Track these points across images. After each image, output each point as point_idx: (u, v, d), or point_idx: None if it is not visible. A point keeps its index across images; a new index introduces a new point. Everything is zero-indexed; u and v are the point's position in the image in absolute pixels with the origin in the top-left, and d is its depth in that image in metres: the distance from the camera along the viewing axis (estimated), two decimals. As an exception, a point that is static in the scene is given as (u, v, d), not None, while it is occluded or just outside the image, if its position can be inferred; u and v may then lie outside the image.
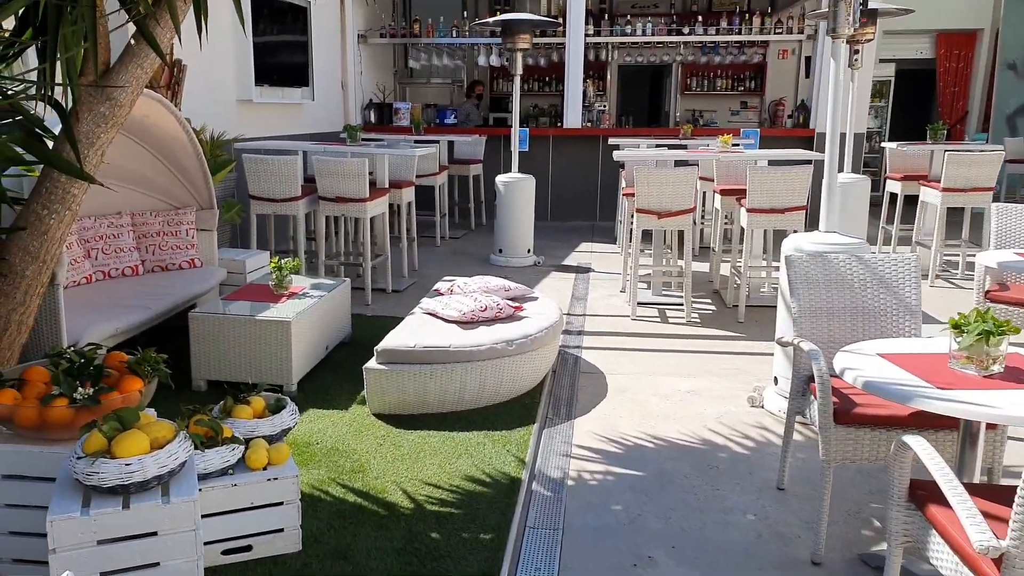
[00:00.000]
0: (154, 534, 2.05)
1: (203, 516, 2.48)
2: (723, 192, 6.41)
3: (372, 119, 10.34)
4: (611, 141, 8.47)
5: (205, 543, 2.50)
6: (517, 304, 4.50)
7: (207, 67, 6.49)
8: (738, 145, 7.53)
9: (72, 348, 2.63)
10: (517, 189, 7.58)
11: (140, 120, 4.65)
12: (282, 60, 7.91)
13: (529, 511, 2.99)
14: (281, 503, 2.58)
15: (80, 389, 2.28)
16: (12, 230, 2.85)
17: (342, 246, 6.87)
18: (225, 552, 2.53)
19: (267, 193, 6.03)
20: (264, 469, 2.61)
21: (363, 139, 7.72)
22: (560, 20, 10.09)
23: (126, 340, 4.57)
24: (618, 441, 3.67)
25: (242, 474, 2.56)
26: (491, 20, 7.71)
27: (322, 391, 4.17)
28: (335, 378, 4.36)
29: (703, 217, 8.08)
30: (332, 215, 6.24)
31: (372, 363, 3.87)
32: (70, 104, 2.86)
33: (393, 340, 3.91)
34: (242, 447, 2.55)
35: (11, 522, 2.29)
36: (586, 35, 10.21)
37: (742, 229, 6.03)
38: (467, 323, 4.16)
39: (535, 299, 4.71)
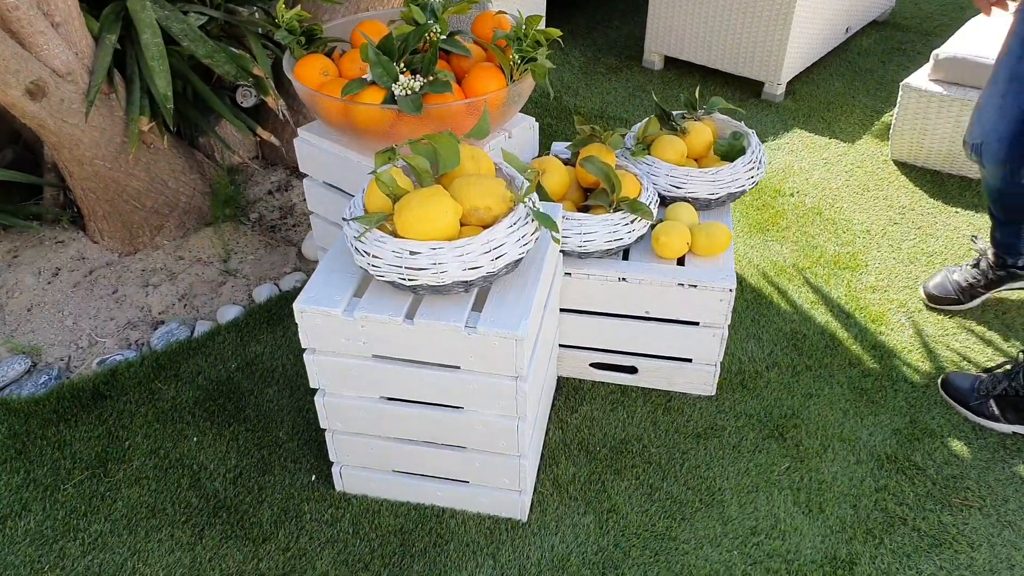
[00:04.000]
0: (455, 368, 1.18)
1: (563, 311, 1.55)
2: None
3: None
4: None
5: (566, 345, 1.61)
6: None
7: None
8: None
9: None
10: None
11: None
12: None
13: None
14: (697, 324, 1.52)
15: (401, 78, 1.36)
16: None
17: None
18: (597, 366, 1.63)
19: None
20: (680, 263, 1.52)
21: None
22: None
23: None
24: None
25: (639, 263, 1.52)
26: None
27: (823, 103, 2.73)
28: (847, 85, 2.84)
29: None
30: None
31: (919, 76, 2.27)
32: None
33: (962, 44, 2.20)
34: (650, 217, 1.46)
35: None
36: None
37: None
38: None
39: None
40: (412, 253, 1.08)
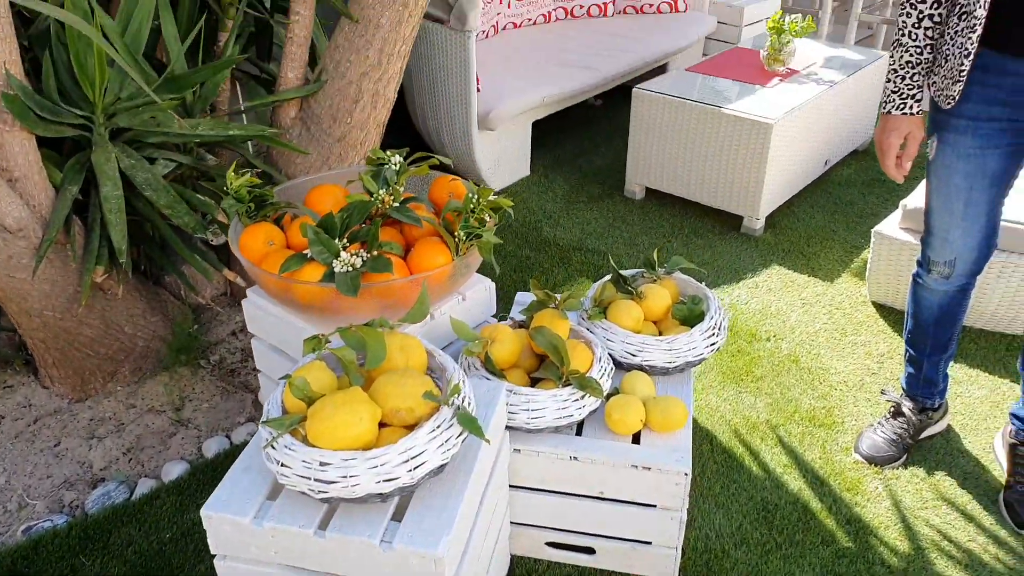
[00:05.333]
0: None
1: (514, 487, 1.47)
2: None
3: None
4: None
5: (518, 523, 1.52)
6: None
7: None
8: None
9: (407, 152, 1.67)
10: None
11: None
12: None
13: None
14: (654, 506, 1.43)
15: (343, 254, 1.33)
16: (366, -49, 1.89)
17: (894, -7, 4.71)
18: (553, 545, 1.54)
19: (798, -95, 4.15)
20: (636, 440, 1.45)
21: None
22: None
23: (553, 114, 3.63)
24: None
25: (592, 439, 1.45)
26: None
27: (803, 237, 2.71)
28: (828, 218, 2.83)
29: None
30: (890, -57, 4.12)
31: (890, 224, 2.25)
32: None
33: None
34: (599, 394, 1.40)
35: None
36: None
37: None
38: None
39: None
40: (322, 464, 1.01)
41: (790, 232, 2.74)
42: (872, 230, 2.25)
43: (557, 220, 2.86)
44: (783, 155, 2.66)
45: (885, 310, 2.32)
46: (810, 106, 2.71)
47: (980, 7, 1.29)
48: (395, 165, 1.59)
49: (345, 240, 1.39)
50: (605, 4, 3.85)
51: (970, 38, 1.32)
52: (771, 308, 2.34)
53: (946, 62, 1.40)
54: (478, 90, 2.86)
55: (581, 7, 3.82)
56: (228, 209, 1.47)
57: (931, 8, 1.38)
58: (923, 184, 2.27)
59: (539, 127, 3.59)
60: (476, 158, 2.92)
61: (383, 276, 1.33)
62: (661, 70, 3.80)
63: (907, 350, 1.79)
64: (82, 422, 1.86)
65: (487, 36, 3.46)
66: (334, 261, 1.34)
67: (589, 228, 2.80)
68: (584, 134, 3.58)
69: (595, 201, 2.98)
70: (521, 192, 3.06)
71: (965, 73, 1.36)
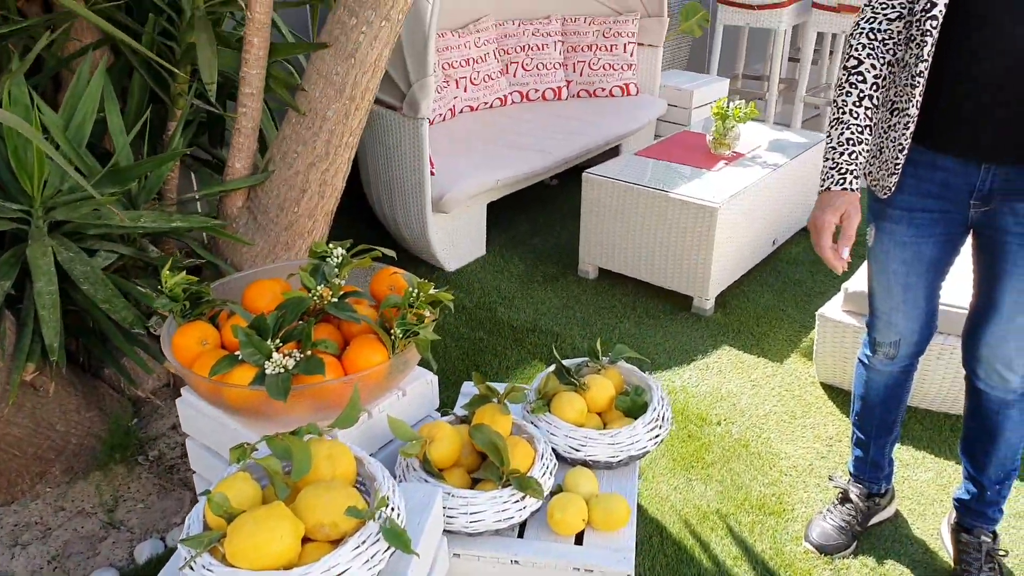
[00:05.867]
0: None
1: (459, 596, 1.43)
2: None
3: None
4: None
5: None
6: None
7: None
8: None
9: (353, 244, 1.67)
10: None
11: None
12: None
13: None
14: (595, 608, 1.39)
15: (275, 355, 1.31)
16: (313, 47, 1.93)
17: (835, 74, 4.92)
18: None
19: (741, -5, 4.36)
20: (579, 540, 1.42)
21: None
22: None
23: (509, 195, 3.68)
24: None
25: (534, 541, 1.41)
26: None
27: (753, 317, 2.75)
28: (777, 297, 2.88)
29: None
30: (829, 31, 4.33)
31: (832, 306, 2.29)
32: None
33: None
34: (539, 496, 1.38)
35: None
36: None
37: None
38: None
39: None
40: (240, 587, 0.97)
41: (740, 312, 2.78)
42: (816, 313, 2.29)
43: (512, 301, 2.87)
44: (729, 237, 2.72)
45: (833, 391, 2.34)
46: (754, 189, 2.79)
47: (913, 107, 1.35)
48: (337, 258, 1.59)
49: (278, 340, 1.37)
50: (559, 88, 3.97)
51: (904, 134, 1.38)
52: (721, 390, 2.34)
53: (881, 154, 1.46)
54: (432, 173, 2.90)
55: (536, 91, 3.93)
56: (161, 309, 1.44)
57: (870, 89, 1.42)
58: (864, 266, 2.33)
59: (495, 206, 3.64)
60: (431, 240, 2.94)
61: (315, 378, 1.31)
62: (614, 151, 3.90)
63: (854, 432, 1.80)
64: (6, 528, 1.77)
65: (444, 119, 3.53)
66: (266, 363, 1.32)
67: (543, 309, 2.81)
68: (540, 213, 3.63)
69: (550, 281, 3.01)
70: (477, 272, 3.07)
71: (900, 166, 1.41)
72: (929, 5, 1.25)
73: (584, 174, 2.88)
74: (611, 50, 3.98)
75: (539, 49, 3.93)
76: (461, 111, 3.68)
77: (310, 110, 1.95)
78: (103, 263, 1.86)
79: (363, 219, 3.48)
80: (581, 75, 4.01)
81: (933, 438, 2.13)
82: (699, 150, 3.11)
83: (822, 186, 1.48)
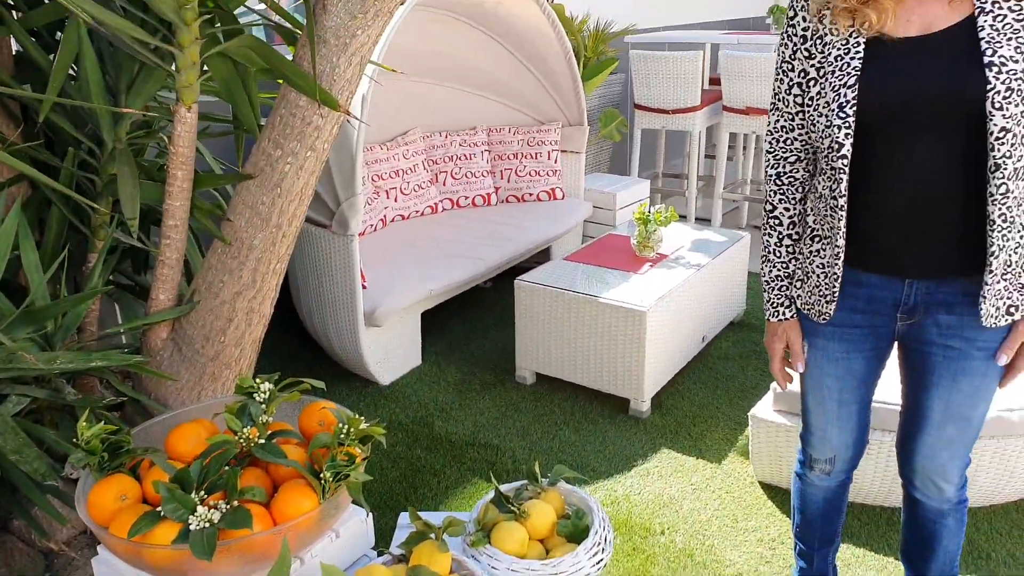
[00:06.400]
0: None
1: None
2: None
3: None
4: None
5: None
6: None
7: (601, -62, 5.17)
8: None
9: (279, 377, 1.63)
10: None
11: (493, 9, 3.57)
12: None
13: None
14: None
15: (200, 508, 1.25)
16: (238, 178, 1.94)
17: (749, 170, 5.21)
18: None
19: (656, 101, 4.62)
20: None
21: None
22: None
23: (443, 303, 3.70)
24: None
25: None
26: None
27: (688, 416, 2.78)
28: (710, 394, 2.93)
29: None
30: (740, 132, 4.61)
31: (763, 406, 2.34)
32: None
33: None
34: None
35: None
36: None
37: None
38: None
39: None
40: None
41: (676, 412, 2.81)
42: (748, 414, 2.34)
43: (449, 412, 2.83)
44: (660, 338, 2.78)
45: (772, 490, 2.36)
46: (680, 290, 2.87)
47: (839, 237, 1.39)
48: (264, 393, 1.55)
49: (203, 492, 1.31)
50: (488, 194, 4.07)
51: (835, 263, 1.42)
52: (663, 496, 2.34)
53: (808, 279, 1.50)
54: (364, 287, 2.90)
55: (466, 198, 4.02)
56: (77, 463, 1.37)
57: (788, 229, 1.52)
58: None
59: (430, 312, 3.64)
60: (364, 355, 2.90)
61: (242, 532, 1.25)
62: (545, 252, 3.99)
63: (796, 544, 1.80)
64: None
65: (375, 229, 3.56)
66: (190, 518, 1.26)
67: (482, 419, 2.78)
68: (475, 317, 3.65)
69: (488, 388, 2.99)
70: (412, 384, 3.04)
71: (836, 294, 1.45)
72: (836, 146, 1.33)
73: (516, 281, 2.92)
74: (536, 157, 4.12)
75: (467, 159, 4.04)
76: (392, 220, 3.72)
77: (236, 239, 1.94)
78: (14, 409, 1.76)
79: (295, 334, 3.43)
80: (508, 182, 4.13)
81: (872, 533, 2.15)
82: (625, 253, 3.20)
83: (765, 316, 1.60)
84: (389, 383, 3.04)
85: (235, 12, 1.98)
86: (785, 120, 1.46)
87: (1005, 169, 1.24)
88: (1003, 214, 1.27)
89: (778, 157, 1.50)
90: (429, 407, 2.87)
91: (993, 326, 1.36)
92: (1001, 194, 1.26)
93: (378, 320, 2.84)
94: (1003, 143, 1.23)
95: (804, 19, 1.38)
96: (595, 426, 2.72)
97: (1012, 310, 1.36)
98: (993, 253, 1.29)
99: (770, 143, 1.51)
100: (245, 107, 1.99)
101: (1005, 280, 1.33)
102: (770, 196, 1.53)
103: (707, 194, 5.12)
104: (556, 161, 4.13)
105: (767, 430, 2.30)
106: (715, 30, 6.42)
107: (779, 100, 1.46)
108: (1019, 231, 1.30)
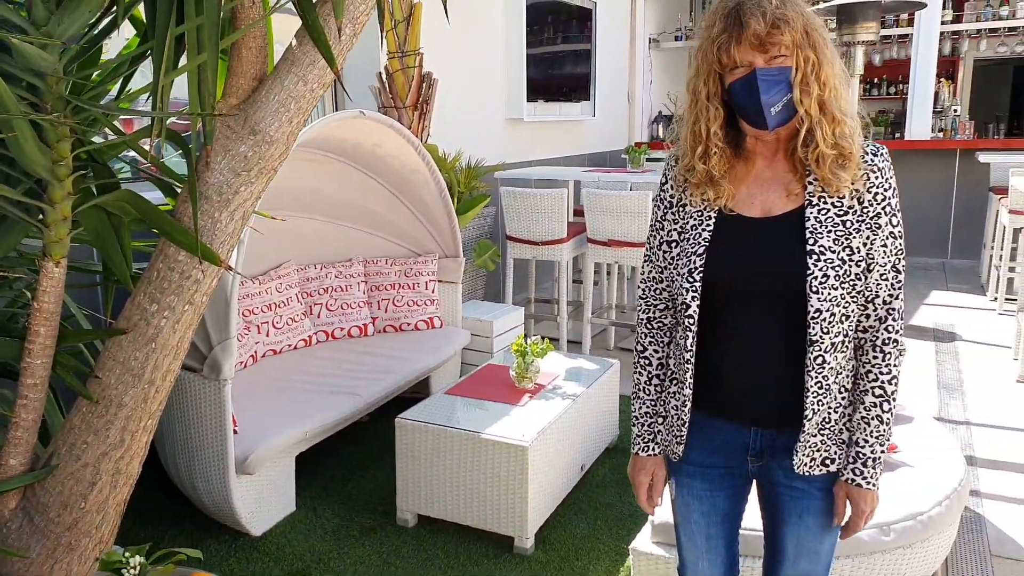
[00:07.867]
0: None
1: None
2: None
3: (660, 134, 8.89)
4: (981, 157, 6.25)
5: None
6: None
7: (466, 82, 5.54)
8: None
9: (150, 551, 1.52)
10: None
11: (371, 150, 3.71)
12: (561, 71, 6.80)
13: None
14: None
15: None
16: (109, 333, 1.87)
17: (614, 296, 5.52)
18: None
19: (526, 234, 4.87)
20: None
21: (649, 159, 6.32)
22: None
23: (319, 443, 3.59)
24: None
25: None
26: (823, 6, 5.84)
27: (572, 550, 2.80)
28: (591, 525, 2.97)
29: None
30: (604, 261, 4.91)
31: (643, 539, 2.41)
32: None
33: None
34: None
35: None
36: (942, 21, 7.89)
37: None
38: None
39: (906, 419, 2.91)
40: None
41: (559, 546, 2.82)
42: (630, 547, 2.39)
43: (327, 563, 2.70)
44: (542, 471, 2.82)
45: (657, 623, 2.39)
46: (560, 422, 2.96)
47: (687, 386, 1.54)
48: (134, 568, 1.45)
49: None
50: (366, 324, 4.07)
51: (685, 409, 1.56)
52: (552, 639, 2.31)
53: (663, 420, 1.64)
54: (235, 432, 2.78)
55: (341, 329, 4.00)
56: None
57: (656, 370, 1.65)
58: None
59: (304, 452, 3.51)
60: (234, 504, 2.75)
61: None
62: (424, 382, 4.00)
63: None
64: None
65: (245, 366, 3.45)
66: None
67: (362, 569, 2.67)
68: (353, 454, 3.55)
69: (368, 534, 2.89)
70: (287, 533, 2.89)
71: (683, 437, 1.58)
72: (684, 306, 1.49)
73: (397, 420, 2.90)
74: (414, 288, 4.19)
75: (343, 290, 4.05)
76: (264, 355, 3.62)
77: (103, 397, 1.84)
78: None
79: (158, 485, 3.19)
80: (386, 312, 4.15)
81: (751, 662, 2.22)
82: (504, 384, 3.27)
83: (632, 449, 1.70)
84: (262, 533, 2.88)
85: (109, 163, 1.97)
86: (656, 272, 1.62)
87: (821, 344, 1.43)
88: (819, 382, 1.46)
89: (649, 303, 1.65)
90: (306, 558, 2.73)
91: (807, 474, 1.52)
92: (817, 365, 1.44)
93: (251, 468, 2.72)
94: (818, 322, 1.42)
95: (671, 187, 1.56)
96: (480, 567, 2.68)
97: (827, 462, 1.53)
98: (807, 416, 1.47)
99: (643, 290, 1.66)
100: (118, 258, 1.94)
101: (822, 435, 1.50)
102: (641, 338, 1.67)
103: (577, 318, 5.35)
104: (434, 291, 4.21)
105: (647, 562, 2.35)
106: (577, 166, 6.92)
107: (652, 253, 1.63)
108: (836, 396, 1.48)
